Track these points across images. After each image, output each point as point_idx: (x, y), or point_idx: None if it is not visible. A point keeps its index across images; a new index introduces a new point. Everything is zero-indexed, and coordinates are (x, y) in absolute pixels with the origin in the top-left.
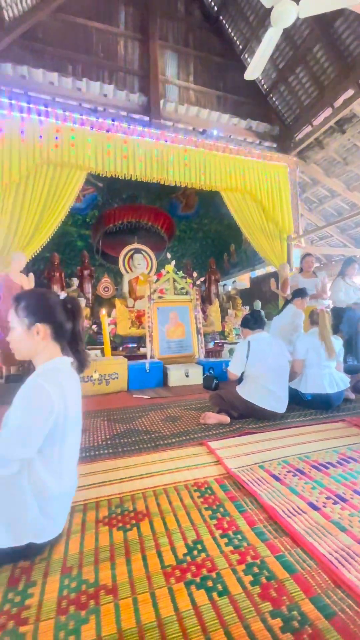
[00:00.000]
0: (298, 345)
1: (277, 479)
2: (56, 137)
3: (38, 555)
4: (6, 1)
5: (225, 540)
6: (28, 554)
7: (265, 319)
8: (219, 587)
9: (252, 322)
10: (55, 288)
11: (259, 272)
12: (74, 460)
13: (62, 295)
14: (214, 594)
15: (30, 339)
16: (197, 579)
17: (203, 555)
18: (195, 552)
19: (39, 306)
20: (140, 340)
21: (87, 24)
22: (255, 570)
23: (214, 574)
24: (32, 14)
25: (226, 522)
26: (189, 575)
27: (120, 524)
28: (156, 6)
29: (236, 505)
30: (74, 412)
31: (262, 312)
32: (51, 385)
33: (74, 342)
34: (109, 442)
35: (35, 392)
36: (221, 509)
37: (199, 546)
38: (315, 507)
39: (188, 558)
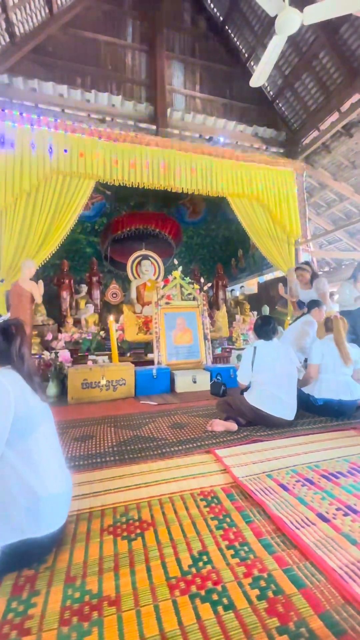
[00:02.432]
0: (313, 350)
1: (285, 488)
2: (65, 150)
3: (43, 564)
4: (17, 18)
5: (232, 551)
6: (28, 559)
7: (280, 328)
8: (225, 601)
9: (258, 329)
10: (65, 294)
11: (267, 277)
12: (56, 455)
13: (3, 318)
14: (219, 608)
15: None
16: (202, 592)
17: (208, 567)
18: (200, 564)
19: None
20: (147, 346)
21: (96, 37)
22: (262, 584)
23: (219, 587)
24: (42, 29)
25: (232, 533)
26: (193, 588)
27: (125, 533)
28: (163, 18)
29: (243, 515)
30: (35, 404)
31: (274, 322)
32: (5, 378)
33: (19, 365)
34: (115, 449)
35: None
36: (228, 519)
37: (205, 557)
38: (325, 519)
39: (193, 570)
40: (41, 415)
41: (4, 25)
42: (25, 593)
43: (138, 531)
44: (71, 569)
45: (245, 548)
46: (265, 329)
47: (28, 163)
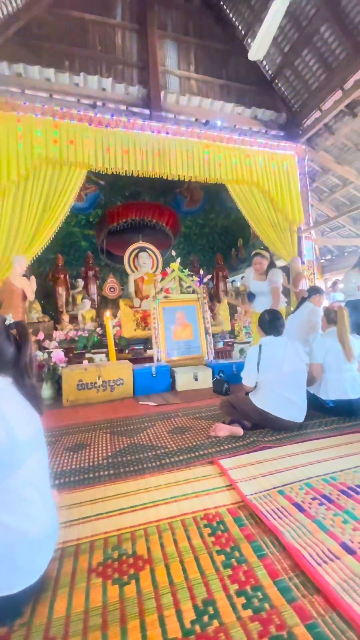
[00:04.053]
0: (315, 348)
1: (300, 509)
2: (54, 135)
3: (18, 618)
4: None
5: (243, 599)
6: (1, 613)
7: (283, 324)
8: None
9: (267, 325)
10: (60, 290)
11: None
12: (42, 492)
13: (9, 320)
14: None
15: None
16: None
17: (215, 623)
18: (205, 618)
19: None
20: (146, 342)
21: (83, 16)
22: None
23: None
24: (27, 10)
25: (243, 573)
26: None
27: (116, 574)
28: None
29: (254, 547)
30: (25, 435)
31: (281, 315)
32: None
33: (18, 374)
34: (110, 460)
35: None
36: (236, 553)
37: (210, 609)
38: (350, 550)
39: (197, 628)
40: (30, 446)
41: None
42: None
43: (132, 571)
44: (51, 625)
45: (259, 594)
46: (276, 323)
47: (15, 152)
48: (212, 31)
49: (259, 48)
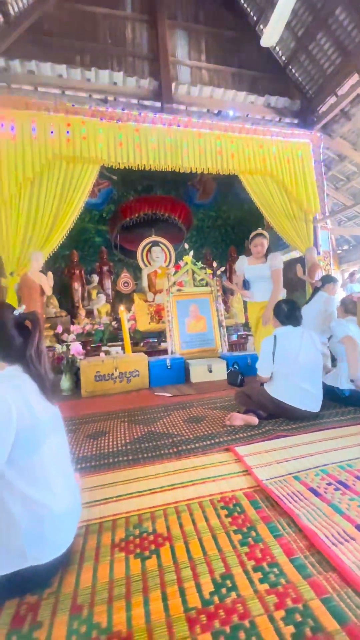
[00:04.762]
0: (336, 327)
1: (316, 493)
2: (67, 132)
3: (47, 589)
4: None
5: (259, 574)
6: (30, 586)
7: (302, 315)
8: None
9: (283, 315)
10: (76, 285)
11: (284, 258)
12: (64, 470)
13: (19, 311)
14: None
15: None
16: (227, 628)
17: (233, 595)
18: (223, 590)
19: None
20: (160, 335)
21: (93, 10)
22: (298, 618)
23: (246, 622)
24: (37, 5)
25: (259, 551)
26: (216, 624)
27: (138, 550)
28: None
29: (270, 527)
30: (45, 415)
31: (299, 305)
32: (6, 388)
33: (30, 363)
34: (128, 447)
35: None
36: (253, 533)
37: (228, 582)
38: None
39: (215, 598)
40: (49, 426)
41: None
42: (27, 625)
43: (153, 547)
44: (78, 594)
45: (275, 570)
46: (295, 314)
47: (30, 150)
48: (223, 18)
49: (272, 34)
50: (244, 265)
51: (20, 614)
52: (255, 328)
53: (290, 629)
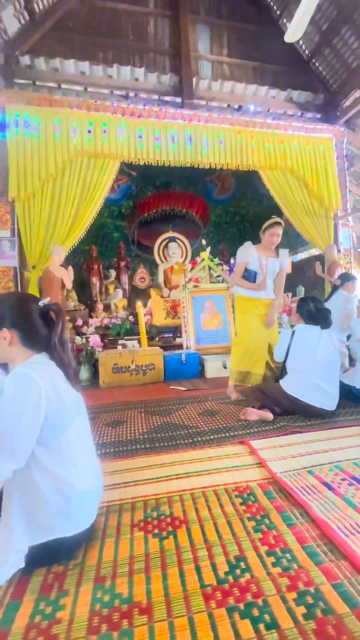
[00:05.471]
0: (357, 328)
1: (330, 487)
2: (89, 130)
3: (72, 560)
4: None
5: (272, 559)
6: (57, 557)
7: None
8: (267, 617)
9: (309, 314)
10: (95, 280)
11: (302, 255)
12: (88, 451)
13: (43, 302)
14: (261, 626)
15: None
16: (241, 605)
17: (247, 575)
18: (238, 571)
19: (8, 311)
20: (176, 330)
21: (116, 6)
22: (309, 600)
23: (260, 601)
24: (61, 3)
25: (272, 537)
26: (231, 600)
27: (156, 530)
28: None
29: (283, 517)
30: (70, 399)
31: (326, 310)
32: (36, 371)
33: (54, 351)
34: (146, 436)
35: (18, 380)
36: (266, 521)
37: (242, 564)
38: None
39: (230, 578)
40: (74, 409)
41: (22, 3)
42: (54, 593)
43: (170, 529)
44: (101, 567)
45: (288, 556)
46: (326, 315)
47: (52, 146)
48: (246, 13)
49: (296, 29)
50: (249, 253)
51: (47, 582)
52: (238, 328)
53: (302, 609)
